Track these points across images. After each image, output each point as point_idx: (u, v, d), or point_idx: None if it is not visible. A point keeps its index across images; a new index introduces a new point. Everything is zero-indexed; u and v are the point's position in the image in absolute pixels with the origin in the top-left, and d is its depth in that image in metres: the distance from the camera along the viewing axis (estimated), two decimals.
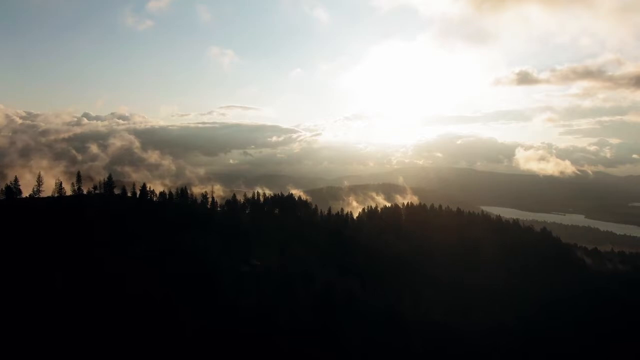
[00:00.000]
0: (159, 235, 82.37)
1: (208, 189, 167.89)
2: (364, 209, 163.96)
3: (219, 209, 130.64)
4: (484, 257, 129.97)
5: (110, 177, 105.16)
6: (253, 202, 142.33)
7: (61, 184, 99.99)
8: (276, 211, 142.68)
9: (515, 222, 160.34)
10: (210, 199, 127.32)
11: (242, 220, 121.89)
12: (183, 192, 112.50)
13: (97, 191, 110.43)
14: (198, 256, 79.93)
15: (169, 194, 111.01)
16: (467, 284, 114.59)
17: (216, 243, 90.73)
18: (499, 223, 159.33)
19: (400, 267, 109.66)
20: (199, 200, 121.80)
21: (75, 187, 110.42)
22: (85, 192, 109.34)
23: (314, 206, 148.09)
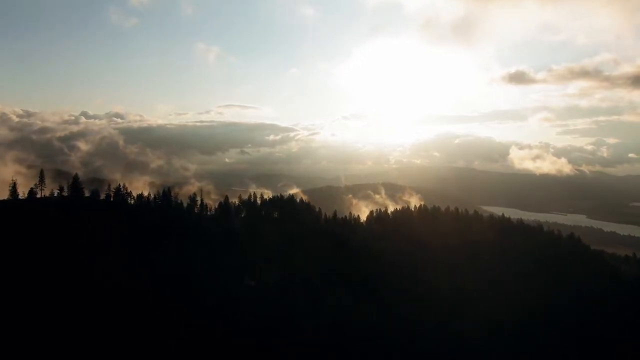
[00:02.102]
0: (126, 247, 65.28)
1: (198, 190, 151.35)
2: (371, 212, 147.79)
3: (209, 213, 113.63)
4: (512, 266, 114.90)
5: (76, 177, 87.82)
6: (249, 204, 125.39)
7: (15, 185, 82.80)
8: (275, 215, 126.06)
9: (539, 226, 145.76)
10: (199, 202, 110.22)
11: (236, 226, 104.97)
12: (165, 194, 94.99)
13: (63, 193, 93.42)
14: (175, 275, 63.12)
15: (147, 196, 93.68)
16: (497, 300, 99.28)
17: (202, 256, 73.94)
18: (520, 227, 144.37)
19: (422, 284, 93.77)
20: (185, 204, 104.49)
21: (39, 189, 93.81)
22: (48, 194, 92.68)
23: (317, 209, 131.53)
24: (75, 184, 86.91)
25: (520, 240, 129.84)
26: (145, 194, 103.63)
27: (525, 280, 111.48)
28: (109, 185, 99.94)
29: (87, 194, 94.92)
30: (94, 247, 61.74)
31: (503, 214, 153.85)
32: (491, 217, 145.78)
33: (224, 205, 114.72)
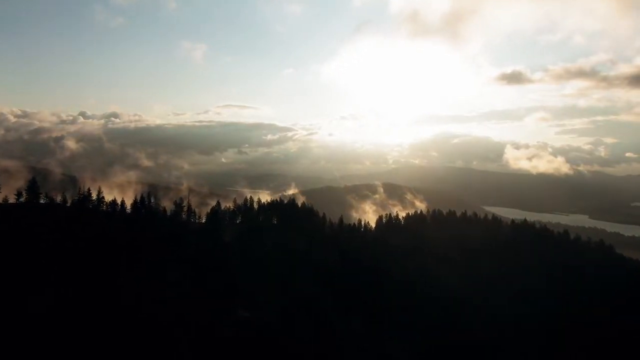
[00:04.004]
0: (85, 269, 50.12)
1: (188, 191, 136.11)
2: (380, 217, 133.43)
3: (197, 220, 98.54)
4: (543, 279, 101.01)
5: (33, 181, 72.28)
6: (245, 210, 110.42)
7: None
8: (274, 221, 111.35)
9: (565, 233, 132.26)
10: (185, 208, 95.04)
11: (228, 236, 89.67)
12: (142, 200, 79.52)
13: (20, 199, 78.07)
14: (143, 305, 48.12)
15: (121, 202, 78.29)
16: (530, 318, 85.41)
17: (182, 280, 58.89)
18: (544, 233, 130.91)
19: (449, 308, 79.48)
20: (169, 211, 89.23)
21: None
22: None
23: (321, 214, 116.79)
24: (32, 187, 71.40)
25: (545, 247, 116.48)
26: (132, 197, 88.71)
27: (559, 292, 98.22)
28: (79, 189, 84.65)
29: (63, 197, 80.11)
30: (33, 268, 46.40)
31: (526, 219, 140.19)
32: (515, 223, 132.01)
33: (215, 211, 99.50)
